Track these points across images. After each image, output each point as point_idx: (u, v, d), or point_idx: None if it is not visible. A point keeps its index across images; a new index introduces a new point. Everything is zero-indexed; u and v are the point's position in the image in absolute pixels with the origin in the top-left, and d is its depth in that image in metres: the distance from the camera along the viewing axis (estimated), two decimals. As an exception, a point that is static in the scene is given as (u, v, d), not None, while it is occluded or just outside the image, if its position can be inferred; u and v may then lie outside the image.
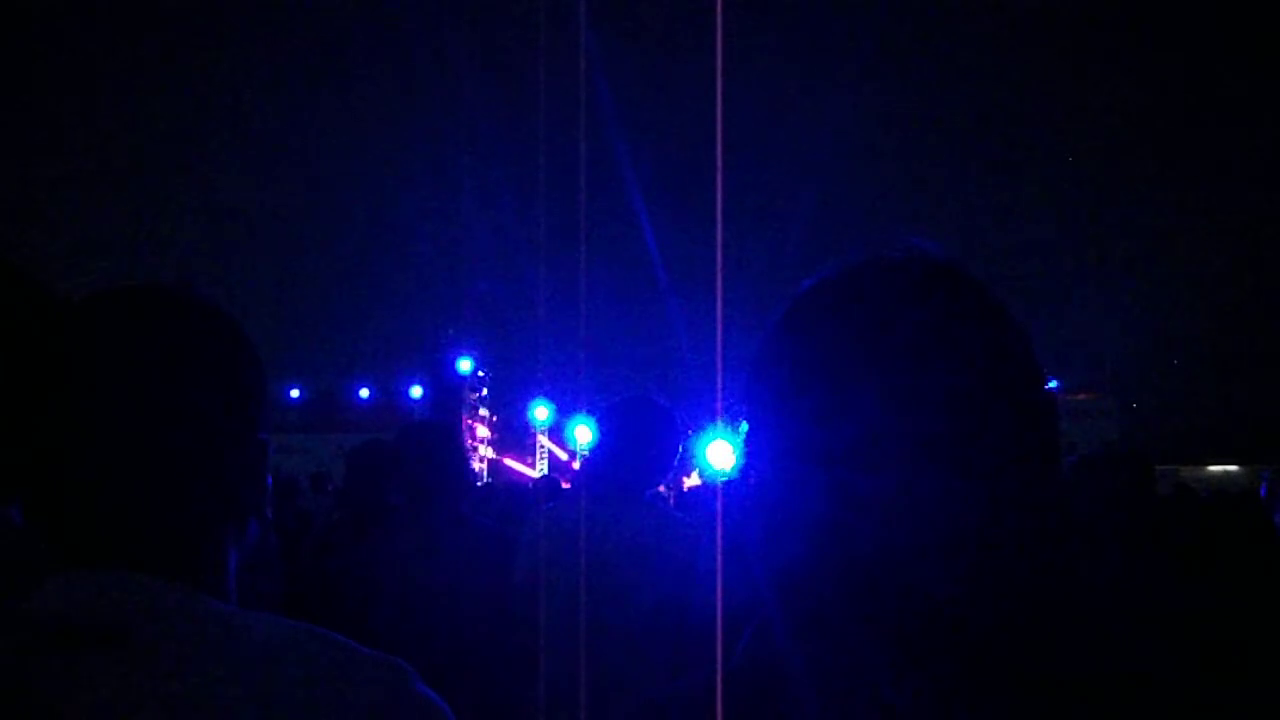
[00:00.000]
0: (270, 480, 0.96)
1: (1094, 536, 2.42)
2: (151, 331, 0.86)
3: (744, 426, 0.73)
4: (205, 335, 0.88)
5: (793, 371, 0.70)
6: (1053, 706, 0.68)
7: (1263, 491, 4.88)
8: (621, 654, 2.32)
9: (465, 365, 28.21)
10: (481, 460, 28.97)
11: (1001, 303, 0.71)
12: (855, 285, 0.72)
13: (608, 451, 2.61)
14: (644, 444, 2.59)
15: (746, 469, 0.73)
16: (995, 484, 0.65)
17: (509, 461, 30.84)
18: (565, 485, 7.04)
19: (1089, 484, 2.49)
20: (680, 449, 2.69)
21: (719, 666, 0.74)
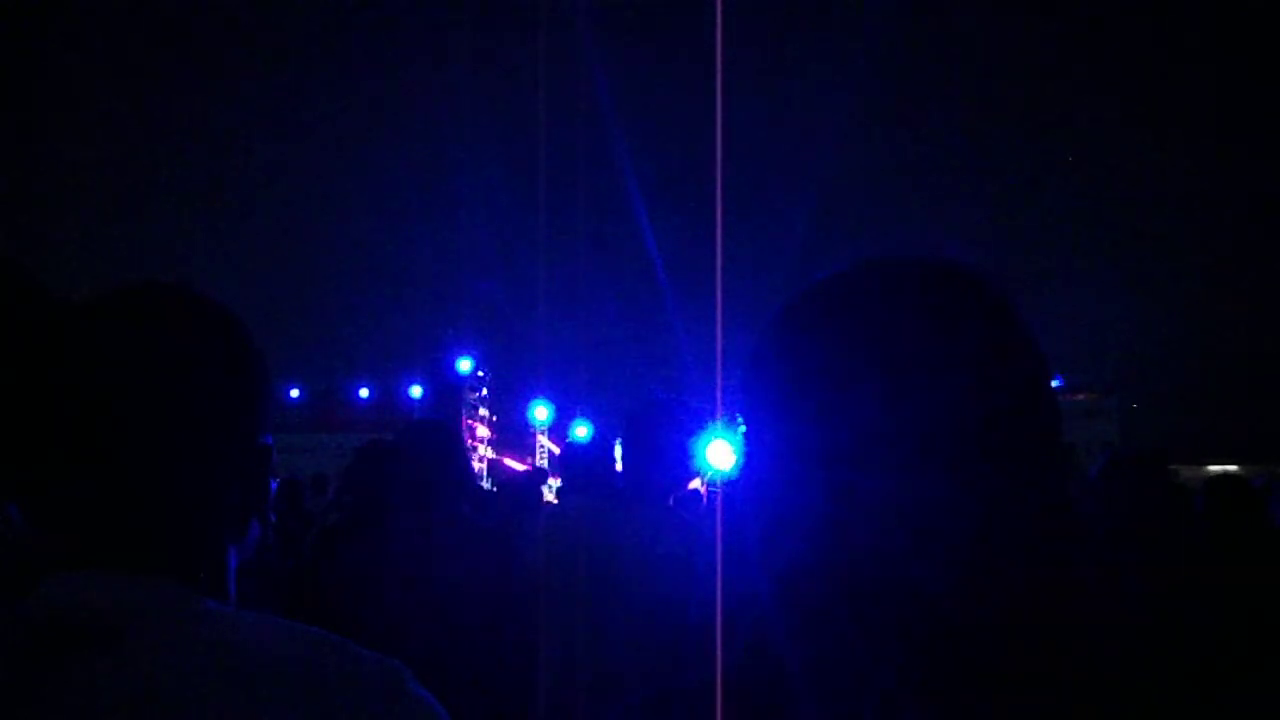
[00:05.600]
0: (275, 482, 0.96)
1: (1112, 537, 2.41)
2: (154, 332, 0.86)
3: (741, 425, 0.73)
4: (208, 335, 0.88)
5: (792, 370, 0.70)
6: (1051, 706, 0.68)
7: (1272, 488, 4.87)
8: (620, 653, 2.33)
9: (465, 365, 28.23)
10: (481, 460, 28.99)
11: (1007, 303, 0.71)
12: (856, 285, 0.72)
13: (630, 464, 2.65)
14: (661, 452, 2.62)
15: (745, 468, 0.73)
16: (994, 484, 0.65)
17: (508, 461, 30.83)
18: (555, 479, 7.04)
19: (1115, 485, 2.49)
20: (694, 445, 2.72)
21: (718, 665, 0.74)
